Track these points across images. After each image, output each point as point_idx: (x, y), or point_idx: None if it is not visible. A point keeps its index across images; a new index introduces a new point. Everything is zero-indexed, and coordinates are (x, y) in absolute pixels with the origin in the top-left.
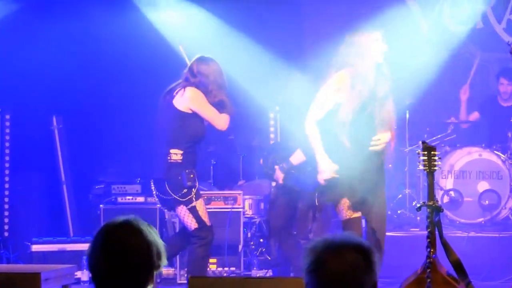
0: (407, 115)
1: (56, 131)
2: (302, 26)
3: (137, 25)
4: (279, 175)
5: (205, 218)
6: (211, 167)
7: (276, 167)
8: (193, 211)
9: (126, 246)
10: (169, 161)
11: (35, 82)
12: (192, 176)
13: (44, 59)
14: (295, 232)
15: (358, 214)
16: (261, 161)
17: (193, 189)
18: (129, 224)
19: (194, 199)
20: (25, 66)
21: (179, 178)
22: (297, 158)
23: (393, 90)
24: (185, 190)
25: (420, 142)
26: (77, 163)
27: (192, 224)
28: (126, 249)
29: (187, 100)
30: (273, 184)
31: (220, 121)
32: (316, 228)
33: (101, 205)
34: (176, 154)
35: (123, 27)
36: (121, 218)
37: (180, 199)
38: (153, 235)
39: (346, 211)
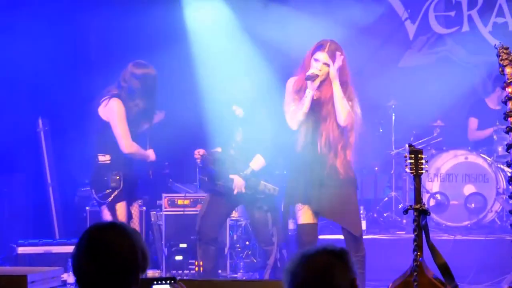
0: (393, 118)
1: (42, 133)
2: None
3: (126, 26)
4: (240, 184)
5: (121, 219)
6: (197, 170)
7: (234, 176)
8: (112, 211)
9: (111, 248)
10: (97, 162)
11: (21, 84)
12: (118, 177)
13: (30, 61)
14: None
15: (313, 221)
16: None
17: (116, 191)
18: (114, 227)
19: (115, 200)
20: (10, 67)
21: (105, 178)
22: (257, 163)
23: (380, 94)
24: (108, 191)
25: (407, 145)
26: (63, 165)
27: None
28: (112, 251)
29: (107, 111)
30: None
31: (125, 143)
32: (278, 231)
33: (87, 207)
34: (104, 156)
35: (111, 29)
36: (106, 221)
37: (102, 200)
38: (138, 237)
39: (300, 216)
